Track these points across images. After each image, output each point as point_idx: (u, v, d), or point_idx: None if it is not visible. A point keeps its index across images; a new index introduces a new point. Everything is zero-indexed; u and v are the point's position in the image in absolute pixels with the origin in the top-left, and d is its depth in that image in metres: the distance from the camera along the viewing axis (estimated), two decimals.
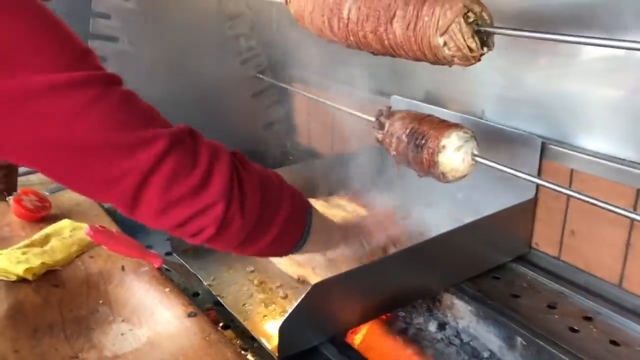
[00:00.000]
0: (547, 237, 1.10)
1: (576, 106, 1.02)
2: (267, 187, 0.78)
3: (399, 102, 1.33)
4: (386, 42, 0.95)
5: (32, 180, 1.29)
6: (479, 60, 0.88)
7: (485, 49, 0.87)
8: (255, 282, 1.04)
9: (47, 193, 1.20)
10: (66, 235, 1.05)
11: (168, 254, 1.12)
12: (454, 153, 0.99)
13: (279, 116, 1.69)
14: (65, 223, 1.10)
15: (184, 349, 0.80)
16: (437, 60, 0.91)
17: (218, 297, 0.99)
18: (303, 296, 0.82)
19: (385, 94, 1.39)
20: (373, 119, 1.15)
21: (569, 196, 0.99)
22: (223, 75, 1.55)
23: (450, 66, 0.91)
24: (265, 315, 0.95)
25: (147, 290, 0.93)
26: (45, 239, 1.04)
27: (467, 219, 1.04)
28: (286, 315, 0.82)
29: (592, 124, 1.01)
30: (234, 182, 0.71)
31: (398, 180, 1.31)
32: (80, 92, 0.60)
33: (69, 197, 1.25)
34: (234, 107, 1.59)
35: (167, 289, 0.93)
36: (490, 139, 1.09)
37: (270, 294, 1.01)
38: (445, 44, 0.86)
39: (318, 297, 0.84)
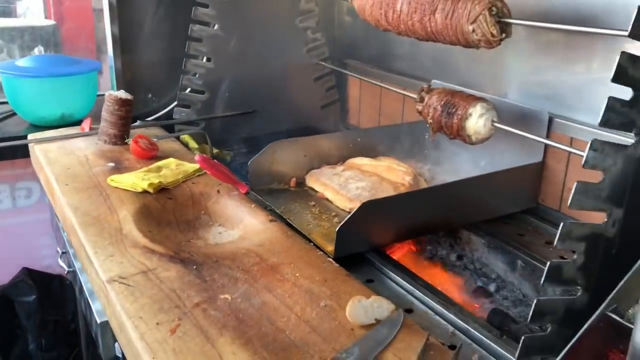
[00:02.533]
0: (550, 194, 1.37)
1: (579, 88, 1.29)
2: None
3: (438, 86, 1.61)
4: (429, 29, 1.25)
5: (140, 131, 1.62)
6: (499, 44, 1.17)
7: (504, 35, 1.15)
8: (316, 211, 1.34)
9: (155, 139, 1.53)
10: (173, 167, 1.37)
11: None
12: (478, 119, 1.27)
13: (334, 99, 1.99)
14: (171, 160, 1.42)
15: (268, 239, 1.10)
16: (468, 43, 1.20)
17: (288, 219, 1.29)
18: (355, 210, 1.11)
19: (426, 80, 1.67)
20: (416, 96, 1.44)
21: (569, 154, 1.27)
22: (291, 60, 1.86)
23: (477, 49, 1.20)
24: (323, 233, 1.25)
25: (238, 206, 1.24)
26: (158, 169, 1.36)
27: None
28: (342, 223, 1.11)
29: (588, 102, 1.28)
30: None
31: (432, 150, 1.61)
32: None
33: (170, 145, 1.58)
34: (297, 89, 1.90)
35: (252, 205, 1.23)
36: (509, 113, 1.37)
37: (327, 220, 1.30)
38: (473, 30, 1.15)
39: (366, 213, 1.12)
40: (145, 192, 1.25)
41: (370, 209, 1.13)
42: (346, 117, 2.06)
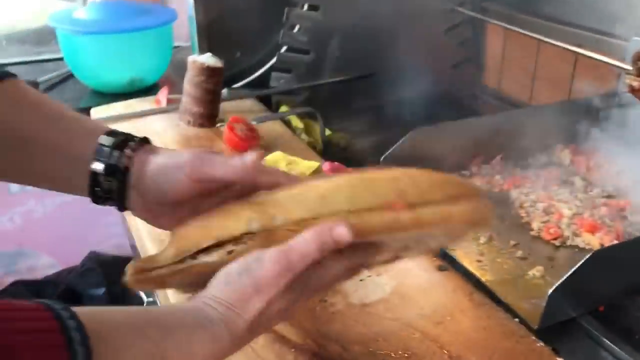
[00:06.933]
0: None
1: None
2: None
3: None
4: None
5: (231, 108, 1.25)
6: None
7: None
8: (482, 240, 0.94)
9: (253, 123, 1.15)
10: (284, 168, 1.00)
11: None
12: None
13: (468, 55, 1.55)
14: (279, 155, 1.04)
15: (445, 306, 0.72)
16: None
17: (451, 254, 0.90)
18: (582, 262, 0.72)
19: (617, 36, 1.21)
20: (614, 62, 1.00)
21: None
22: (419, 6, 1.43)
23: None
24: (505, 277, 0.86)
25: None
26: None
27: None
28: (558, 283, 0.72)
29: None
30: None
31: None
32: None
33: (271, 128, 1.20)
34: (425, 43, 1.47)
35: None
36: None
37: (503, 254, 0.91)
38: None
39: (595, 266, 0.73)
40: None
41: (603, 259, 0.74)
42: (481, 78, 1.62)
